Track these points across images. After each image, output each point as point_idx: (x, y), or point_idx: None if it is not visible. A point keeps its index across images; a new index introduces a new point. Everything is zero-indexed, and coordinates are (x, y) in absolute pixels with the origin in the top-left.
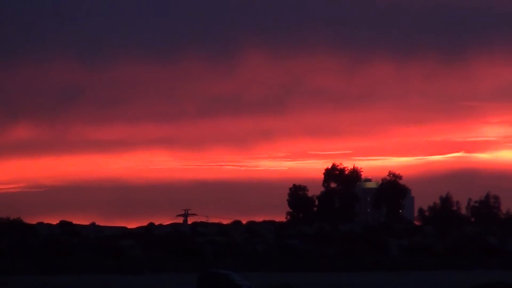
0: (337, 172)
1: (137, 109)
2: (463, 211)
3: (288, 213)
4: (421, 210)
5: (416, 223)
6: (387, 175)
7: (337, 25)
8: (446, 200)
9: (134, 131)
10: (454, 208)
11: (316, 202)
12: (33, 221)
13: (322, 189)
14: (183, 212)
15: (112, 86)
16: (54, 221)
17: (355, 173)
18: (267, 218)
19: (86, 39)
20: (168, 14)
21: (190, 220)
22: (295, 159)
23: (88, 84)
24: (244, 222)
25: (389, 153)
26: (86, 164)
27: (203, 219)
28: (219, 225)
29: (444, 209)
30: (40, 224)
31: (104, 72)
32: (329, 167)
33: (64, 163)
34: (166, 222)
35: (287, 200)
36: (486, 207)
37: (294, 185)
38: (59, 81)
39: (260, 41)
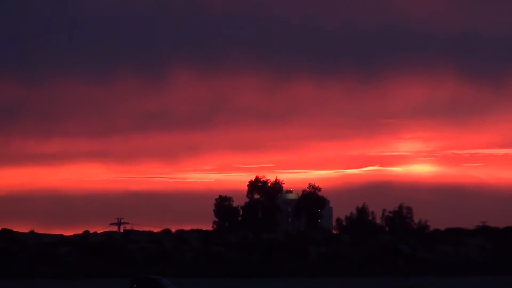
0: (260, 184)
1: (73, 125)
2: (378, 221)
3: (214, 222)
4: (338, 220)
5: (334, 232)
6: (307, 187)
7: (260, 47)
8: (362, 211)
9: (70, 145)
10: (370, 218)
11: (241, 212)
12: None
13: (246, 200)
14: (116, 221)
15: (50, 102)
16: None
17: (277, 185)
18: (195, 227)
19: (26, 57)
20: (102, 36)
21: (123, 229)
22: (221, 172)
23: (27, 100)
24: (173, 230)
25: (309, 166)
26: (26, 176)
27: (134, 227)
28: (150, 233)
29: (360, 219)
30: None
31: (43, 89)
32: (253, 179)
33: (6, 175)
34: (101, 230)
35: (213, 210)
36: (399, 217)
37: (220, 196)
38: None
39: (188, 61)
